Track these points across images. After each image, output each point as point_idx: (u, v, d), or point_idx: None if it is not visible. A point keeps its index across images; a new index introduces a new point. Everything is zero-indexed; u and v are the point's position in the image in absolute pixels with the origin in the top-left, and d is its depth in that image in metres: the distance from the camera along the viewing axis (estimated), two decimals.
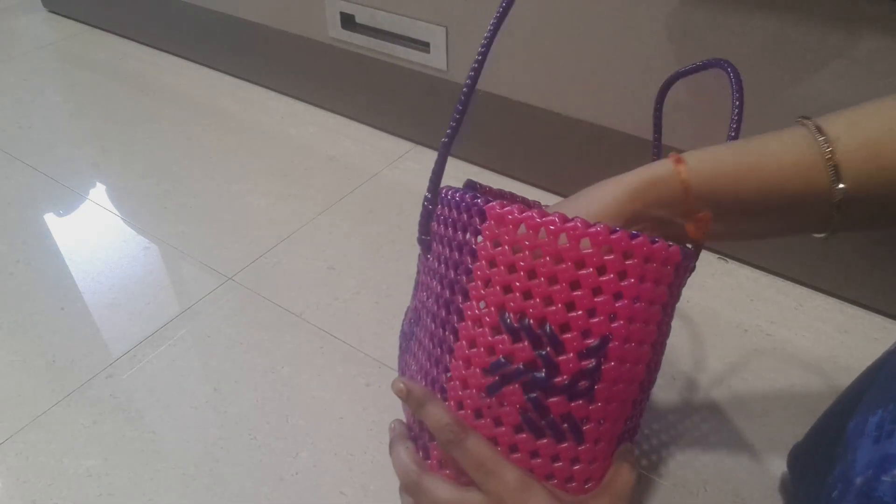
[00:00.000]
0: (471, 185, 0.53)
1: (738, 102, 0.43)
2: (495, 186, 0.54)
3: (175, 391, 0.68)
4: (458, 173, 0.96)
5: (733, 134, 0.43)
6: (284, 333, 0.74)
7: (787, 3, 0.63)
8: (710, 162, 0.36)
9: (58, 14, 1.52)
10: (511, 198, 0.55)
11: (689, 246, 0.40)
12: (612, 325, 0.35)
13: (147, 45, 1.38)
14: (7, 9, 1.56)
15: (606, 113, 0.82)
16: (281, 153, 1.05)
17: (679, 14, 0.70)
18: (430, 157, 1.07)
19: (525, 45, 0.83)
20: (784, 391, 0.67)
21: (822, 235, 0.37)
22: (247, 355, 0.72)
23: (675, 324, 0.74)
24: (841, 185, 0.33)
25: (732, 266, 0.82)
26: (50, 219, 0.93)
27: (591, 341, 0.35)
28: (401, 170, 1.00)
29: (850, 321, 0.75)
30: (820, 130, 0.34)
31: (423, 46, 0.93)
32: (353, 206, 0.93)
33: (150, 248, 0.87)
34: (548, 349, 0.35)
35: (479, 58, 0.39)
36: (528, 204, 0.55)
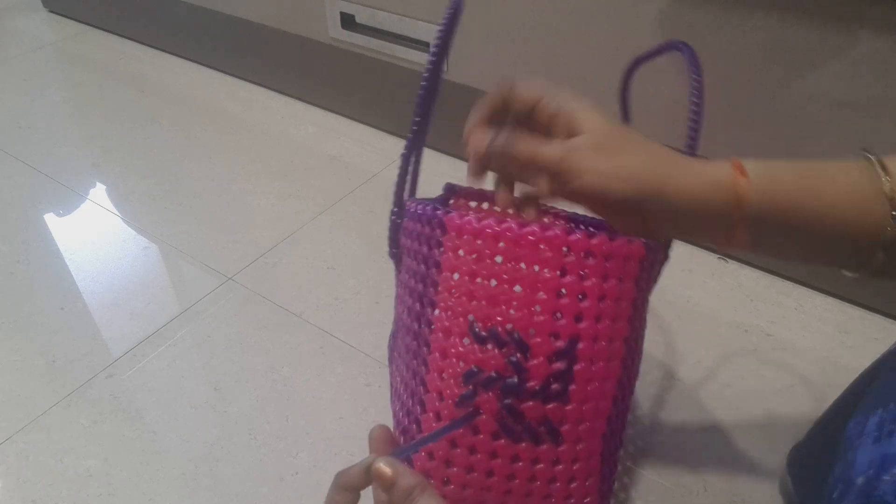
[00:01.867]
0: (450, 189, 0.53)
1: (696, 83, 0.43)
2: (490, 186, 0.54)
3: (175, 391, 0.68)
4: (457, 173, 0.96)
5: (693, 112, 0.43)
6: (284, 333, 0.74)
7: (787, 3, 0.63)
8: (769, 176, 0.34)
9: (58, 14, 1.52)
10: (493, 197, 0.55)
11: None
12: (579, 326, 0.35)
13: (147, 45, 1.38)
14: (7, 9, 1.56)
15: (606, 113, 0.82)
16: (281, 153, 1.05)
17: (679, 14, 0.70)
18: (430, 157, 1.07)
19: (525, 45, 0.83)
20: (784, 391, 0.67)
21: (853, 275, 0.36)
22: (247, 355, 0.72)
23: (676, 323, 0.74)
24: (890, 228, 0.32)
25: (732, 266, 0.82)
26: (50, 219, 0.93)
27: (560, 344, 0.35)
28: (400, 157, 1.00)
29: (850, 321, 0.74)
30: (883, 167, 0.33)
31: (423, 46, 0.93)
32: (353, 206, 0.93)
33: (150, 248, 0.87)
34: (517, 355, 0.36)
35: (431, 66, 0.39)
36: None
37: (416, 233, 0.40)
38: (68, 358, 0.72)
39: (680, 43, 0.45)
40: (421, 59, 0.94)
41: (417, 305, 0.39)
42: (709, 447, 0.62)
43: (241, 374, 0.70)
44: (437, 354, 0.38)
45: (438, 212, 0.37)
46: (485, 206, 0.55)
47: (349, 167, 1.01)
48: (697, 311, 0.76)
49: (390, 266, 0.84)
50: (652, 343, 0.72)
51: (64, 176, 1.01)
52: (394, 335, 0.48)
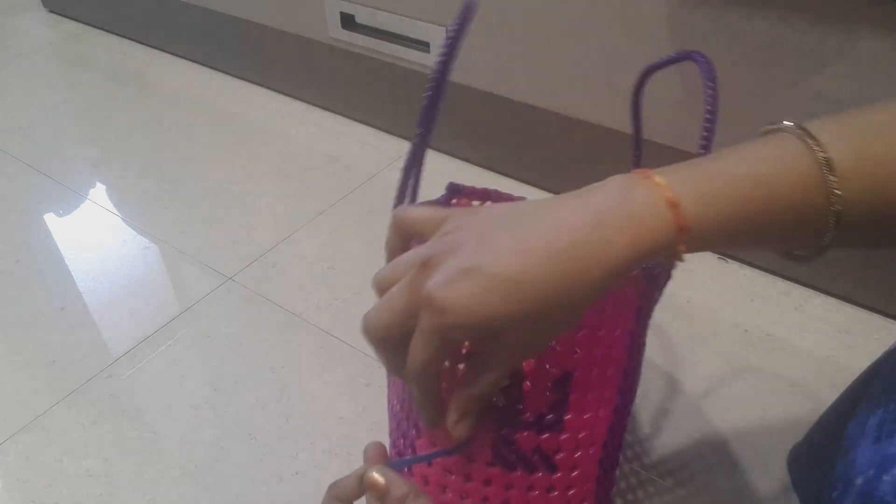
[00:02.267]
0: (453, 188, 0.53)
1: (710, 93, 0.42)
2: (491, 186, 0.54)
3: (175, 391, 0.68)
4: (458, 173, 0.96)
5: (707, 123, 0.43)
6: (284, 333, 0.74)
7: (788, 3, 0.63)
8: (713, 228, 0.30)
9: (58, 14, 1.52)
10: (496, 196, 0.55)
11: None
12: (575, 356, 0.35)
13: (147, 45, 1.38)
14: (7, 9, 1.56)
15: (606, 113, 0.82)
16: (281, 153, 1.05)
17: (679, 15, 0.70)
18: (430, 157, 1.06)
19: (525, 45, 0.83)
20: (784, 391, 0.67)
21: (805, 253, 0.34)
22: (247, 355, 0.72)
23: (675, 324, 0.74)
24: (835, 233, 0.31)
25: (732, 266, 0.82)
26: (50, 219, 0.93)
27: (555, 373, 0.35)
28: (400, 170, 1.00)
29: (850, 321, 0.74)
30: (830, 166, 0.30)
31: (423, 46, 0.93)
32: (353, 206, 0.93)
33: (150, 248, 0.87)
34: (512, 386, 0.36)
35: (437, 74, 0.38)
36: (513, 201, 0.55)
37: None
38: (68, 358, 0.72)
39: (695, 52, 0.44)
40: (421, 58, 0.94)
41: None
42: (709, 447, 0.62)
43: (241, 374, 0.70)
44: None
45: None
46: (487, 205, 0.55)
47: (349, 167, 1.01)
48: (697, 311, 0.76)
49: None
50: (651, 343, 0.72)
51: (64, 176, 1.01)
52: None
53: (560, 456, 0.37)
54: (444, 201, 0.54)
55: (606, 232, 0.29)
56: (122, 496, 0.59)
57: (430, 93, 0.38)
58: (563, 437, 0.37)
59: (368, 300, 0.79)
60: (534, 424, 0.36)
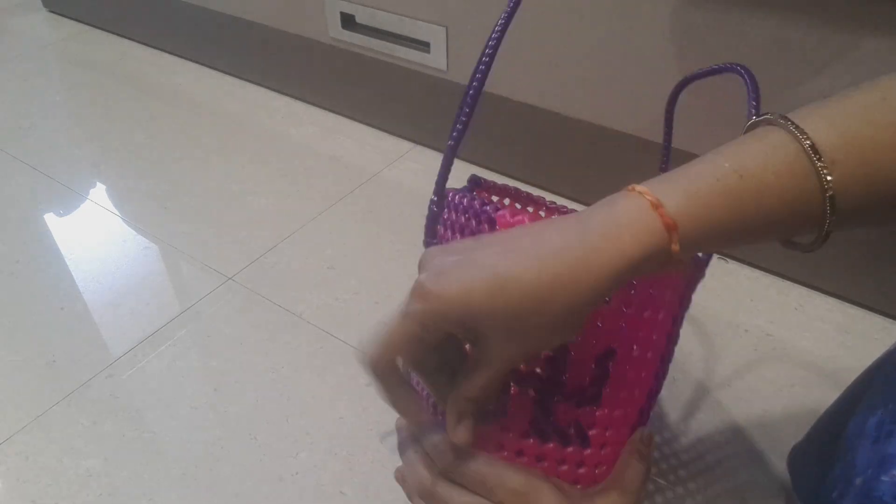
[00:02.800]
0: (474, 181, 0.53)
1: (754, 106, 0.42)
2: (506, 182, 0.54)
3: (175, 391, 0.68)
4: (457, 172, 0.96)
5: None
6: (284, 333, 0.74)
7: (788, 3, 0.63)
8: (703, 219, 0.30)
9: (58, 14, 1.52)
10: (516, 194, 0.55)
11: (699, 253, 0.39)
12: (620, 334, 0.35)
13: (147, 45, 1.38)
14: (7, 9, 1.56)
15: (607, 113, 0.82)
16: (281, 153, 1.05)
17: (680, 15, 0.70)
18: (430, 156, 1.07)
19: (526, 45, 0.83)
20: (784, 391, 0.67)
21: (806, 241, 0.34)
22: (247, 355, 0.72)
23: None
24: (832, 218, 0.30)
25: (732, 266, 0.82)
26: (50, 219, 0.93)
27: (599, 349, 0.35)
28: (401, 170, 1.00)
29: (850, 321, 0.74)
30: (815, 151, 0.30)
31: (424, 46, 0.93)
32: (353, 206, 0.93)
33: (151, 248, 0.87)
34: (557, 356, 0.35)
35: (486, 59, 0.38)
36: (532, 200, 0.55)
37: (460, 225, 0.39)
38: (68, 358, 0.72)
39: (738, 65, 0.44)
40: (421, 59, 0.94)
41: None
42: (709, 447, 0.62)
43: (241, 374, 0.70)
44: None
45: (487, 207, 0.37)
46: (506, 200, 0.55)
47: (349, 167, 1.01)
48: (697, 311, 0.76)
49: (390, 266, 0.83)
50: None
51: (64, 176, 1.01)
52: None
53: (594, 432, 0.37)
54: (467, 192, 0.53)
55: (593, 238, 0.29)
56: (122, 496, 0.59)
57: (480, 73, 0.38)
58: (600, 412, 0.37)
59: (368, 300, 0.79)
60: (573, 396, 0.36)
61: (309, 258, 0.85)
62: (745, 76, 0.43)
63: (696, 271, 0.37)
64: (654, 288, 0.35)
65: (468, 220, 0.38)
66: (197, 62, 1.31)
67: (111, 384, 0.69)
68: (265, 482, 0.60)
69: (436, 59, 0.93)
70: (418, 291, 0.30)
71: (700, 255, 0.39)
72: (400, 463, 0.41)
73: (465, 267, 0.29)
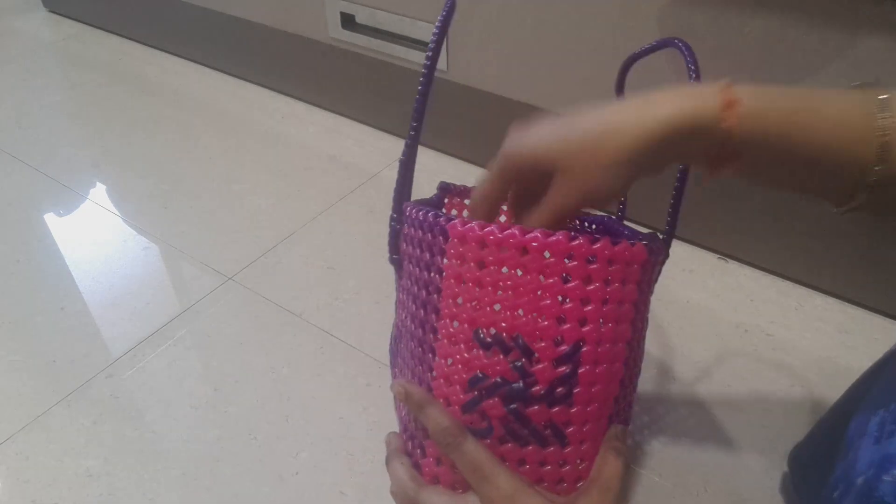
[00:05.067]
0: (444, 188, 0.54)
1: (693, 78, 0.43)
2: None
3: (175, 391, 0.68)
4: (457, 172, 0.96)
5: None
6: (284, 333, 0.74)
7: (787, 3, 0.63)
8: (762, 110, 0.32)
9: (58, 14, 1.52)
10: None
11: (659, 235, 0.40)
12: (583, 330, 0.36)
13: (147, 45, 1.38)
14: (7, 9, 1.56)
15: None
16: (281, 153, 1.05)
17: (679, 15, 0.70)
18: (430, 156, 1.07)
19: (526, 45, 0.83)
20: (785, 391, 0.67)
21: (840, 210, 0.35)
22: (247, 355, 0.72)
23: (677, 323, 0.74)
24: (878, 168, 0.31)
25: (732, 266, 0.82)
26: (50, 219, 0.93)
27: (564, 348, 0.36)
28: (399, 163, 1.00)
29: (850, 321, 0.75)
30: (885, 105, 0.31)
31: (423, 46, 0.93)
32: (353, 206, 0.93)
33: (151, 248, 0.87)
34: (522, 360, 0.36)
35: (426, 70, 0.39)
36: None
37: (418, 239, 0.40)
38: (68, 358, 0.72)
39: (676, 39, 0.45)
40: (421, 59, 0.94)
41: (421, 312, 0.39)
42: (709, 447, 0.62)
43: (241, 374, 0.70)
44: (442, 360, 0.38)
45: (440, 219, 0.37)
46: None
47: (349, 167, 1.01)
48: (697, 311, 0.76)
49: (390, 266, 0.84)
50: (652, 343, 0.72)
51: (64, 176, 1.01)
52: (396, 339, 0.48)
53: (571, 430, 0.37)
54: (437, 200, 0.54)
55: (654, 97, 0.33)
56: (123, 496, 0.59)
57: (422, 86, 0.39)
58: (574, 410, 0.37)
59: (368, 300, 0.79)
60: (545, 398, 0.36)
61: (309, 258, 0.85)
62: (682, 48, 0.44)
63: (653, 256, 0.38)
64: (612, 281, 0.36)
65: (424, 233, 0.39)
66: (197, 62, 1.31)
67: (111, 384, 0.69)
68: (265, 482, 0.60)
69: None
70: (506, 145, 0.37)
71: (659, 235, 0.39)
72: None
73: (542, 125, 0.36)
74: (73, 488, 0.60)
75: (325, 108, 1.15)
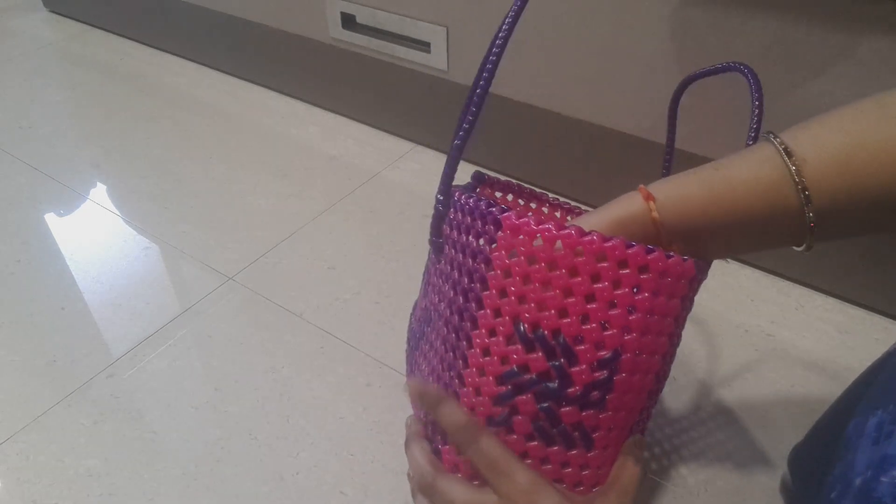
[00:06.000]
0: (478, 178, 0.53)
1: (757, 105, 0.42)
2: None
3: (176, 391, 0.68)
4: (457, 172, 0.96)
5: (752, 137, 0.43)
6: (285, 333, 0.74)
7: (788, 3, 0.63)
8: (678, 196, 0.36)
9: (58, 14, 1.53)
10: (519, 190, 0.56)
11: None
12: (625, 338, 0.35)
13: (147, 45, 1.38)
14: (7, 9, 1.56)
15: (607, 113, 0.82)
16: (281, 153, 1.05)
17: (680, 15, 0.70)
18: (431, 157, 1.07)
19: (525, 45, 0.83)
20: (785, 391, 0.67)
21: (800, 249, 0.37)
22: (247, 355, 0.72)
23: None
24: (811, 207, 0.33)
25: (733, 266, 0.82)
26: (50, 219, 0.93)
27: (604, 353, 0.35)
28: (401, 170, 1.00)
29: (850, 321, 0.74)
30: (788, 152, 0.34)
31: (424, 46, 0.93)
32: (353, 206, 0.94)
33: (151, 248, 0.87)
34: (561, 360, 0.35)
35: (493, 58, 0.38)
36: (535, 196, 0.55)
37: (466, 226, 0.39)
38: (69, 358, 0.72)
39: (741, 65, 0.44)
40: (421, 59, 0.94)
41: (460, 299, 0.39)
42: (709, 447, 0.62)
43: (241, 374, 0.70)
44: (478, 351, 0.37)
45: (493, 209, 0.37)
46: (509, 197, 0.55)
47: (350, 167, 1.01)
48: (697, 311, 0.76)
49: (391, 266, 0.83)
50: None
51: (64, 176, 1.01)
52: (420, 321, 0.47)
53: (598, 434, 0.37)
54: (470, 189, 0.54)
55: (607, 206, 0.38)
56: (123, 496, 0.59)
57: (480, 91, 0.39)
58: (604, 415, 0.37)
59: (369, 300, 0.79)
60: (578, 400, 0.36)
61: (309, 258, 0.85)
62: (749, 75, 0.44)
63: (697, 273, 0.38)
64: (659, 293, 0.36)
65: (474, 220, 0.38)
66: (197, 62, 1.31)
67: (112, 384, 0.69)
68: (265, 482, 0.60)
69: (436, 60, 0.93)
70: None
71: (702, 262, 0.39)
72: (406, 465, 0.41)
73: None
74: (73, 488, 0.60)
75: (326, 108, 1.15)
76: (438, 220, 0.42)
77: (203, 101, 1.19)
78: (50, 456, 0.62)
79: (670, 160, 0.55)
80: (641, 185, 0.36)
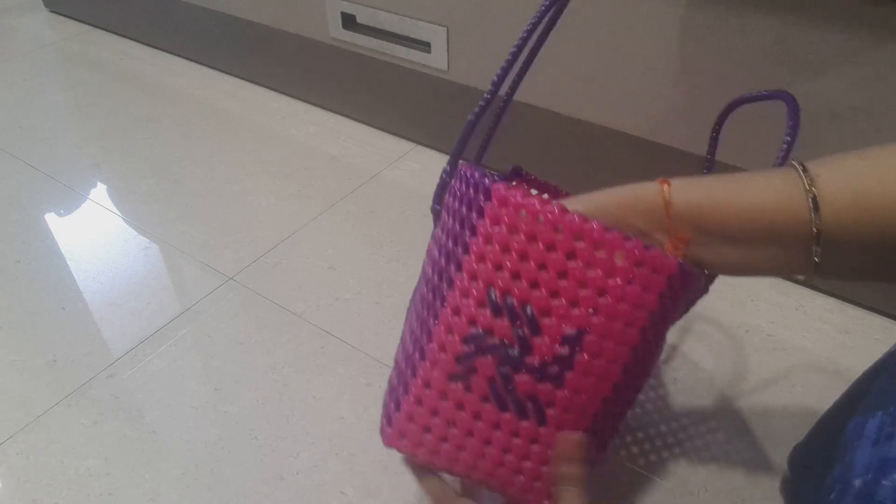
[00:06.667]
0: (516, 171, 0.54)
1: (790, 133, 0.43)
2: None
3: (176, 391, 0.68)
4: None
5: (780, 161, 0.43)
6: (285, 333, 0.74)
7: (789, 4, 0.63)
8: (693, 185, 0.37)
9: (59, 14, 1.53)
10: (555, 191, 0.58)
11: (706, 272, 0.40)
12: (592, 320, 0.36)
13: (147, 45, 1.38)
14: (8, 9, 1.56)
15: (608, 114, 0.82)
16: (281, 153, 1.05)
17: (681, 14, 0.70)
18: (431, 156, 1.07)
19: (525, 45, 0.83)
20: (785, 391, 0.67)
21: (803, 277, 0.37)
22: (247, 355, 0.72)
23: (677, 324, 0.74)
24: (817, 220, 0.33)
25: None
26: (51, 218, 0.93)
27: (569, 330, 0.36)
28: (401, 170, 1.00)
29: (850, 322, 0.74)
30: (804, 167, 0.34)
31: (424, 46, 0.93)
32: (353, 207, 0.94)
33: (151, 247, 0.87)
34: (525, 329, 0.37)
35: (510, 57, 0.40)
36: (559, 195, 0.56)
37: (461, 194, 0.41)
38: (69, 358, 0.72)
39: (785, 93, 0.45)
40: (422, 59, 0.94)
41: (443, 261, 0.40)
42: (709, 447, 0.62)
43: (241, 373, 0.70)
44: (449, 310, 0.39)
45: (486, 179, 0.38)
46: (545, 196, 0.56)
47: (350, 167, 1.01)
48: (697, 311, 0.76)
49: (391, 266, 0.84)
50: None
51: (64, 175, 1.01)
52: (415, 289, 0.49)
53: (552, 411, 0.38)
54: (507, 179, 0.55)
55: (616, 188, 0.39)
56: (123, 496, 0.59)
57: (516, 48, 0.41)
58: (560, 392, 0.38)
59: (369, 300, 0.79)
60: (536, 370, 0.37)
61: (309, 258, 0.85)
62: (789, 103, 0.45)
63: (686, 276, 0.37)
64: (633, 282, 0.36)
65: (467, 190, 0.40)
66: (197, 62, 1.31)
67: (112, 384, 0.69)
68: (266, 482, 0.60)
69: (437, 60, 0.93)
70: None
71: (691, 267, 0.39)
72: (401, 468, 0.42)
73: None
74: (73, 488, 0.60)
75: (326, 108, 1.15)
76: (442, 188, 0.45)
77: (203, 101, 1.19)
78: (50, 456, 0.62)
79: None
80: (664, 179, 0.37)
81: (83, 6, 1.46)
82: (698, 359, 0.71)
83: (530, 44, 0.44)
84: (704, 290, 0.47)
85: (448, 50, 0.91)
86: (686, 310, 0.49)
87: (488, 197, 0.37)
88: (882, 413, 0.33)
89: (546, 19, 0.44)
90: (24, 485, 0.60)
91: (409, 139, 1.07)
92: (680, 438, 0.63)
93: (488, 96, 0.43)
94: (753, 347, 0.72)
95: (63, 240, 0.89)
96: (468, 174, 0.40)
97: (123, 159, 1.04)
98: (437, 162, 0.99)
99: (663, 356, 0.71)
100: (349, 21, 0.99)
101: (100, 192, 0.98)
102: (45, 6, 1.54)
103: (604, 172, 0.86)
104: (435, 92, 0.97)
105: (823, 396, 0.66)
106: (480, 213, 0.38)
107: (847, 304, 0.77)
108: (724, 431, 0.63)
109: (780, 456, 0.60)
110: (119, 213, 0.93)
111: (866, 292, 0.75)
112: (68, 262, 0.85)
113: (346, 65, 1.05)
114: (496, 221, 0.37)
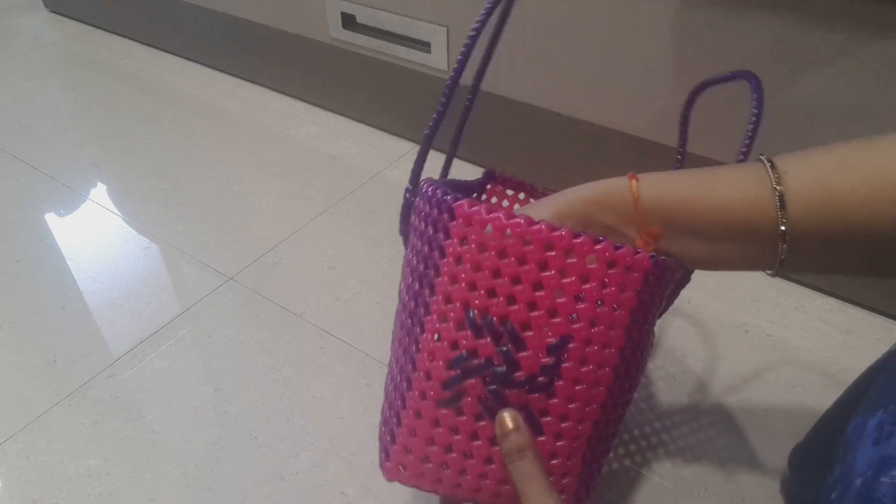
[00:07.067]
0: (489, 174, 0.54)
1: (755, 112, 0.43)
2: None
3: (176, 391, 0.68)
4: (456, 171, 0.96)
5: (746, 144, 0.43)
6: (285, 333, 0.74)
7: (788, 4, 0.63)
8: (662, 181, 0.37)
9: (59, 14, 1.53)
10: (531, 189, 0.57)
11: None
12: (573, 327, 0.36)
13: (147, 45, 1.38)
14: (8, 9, 1.56)
15: (607, 113, 0.82)
16: (281, 153, 1.05)
17: (680, 15, 0.70)
18: (431, 156, 1.07)
19: (525, 45, 0.83)
20: (785, 391, 0.67)
21: (770, 272, 0.37)
22: (247, 355, 0.72)
23: (676, 323, 0.74)
24: (784, 217, 0.34)
25: None
26: (51, 218, 0.93)
27: (551, 340, 0.36)
28: (401, 170, 1.00)
29: (850, 322, 0.74)
30: (772, 164, 0.35)
31: (424, 46, 0.93)
32: (353, 206, 0.94)
33: (151, 247, 0.87)
34: (509, 346, 0.36)
35: (464, 49, 0.39)
36: (544, 195, 0.56)
37: (425, 214, 0.40)
38: (69, 358, 0.72)
39: (749, 73, 0.45)
40: (422, 59, 0.94)
41: (416, 285, 0.40)
42: (709, 447, 0.62)
43: (241, 373, 0.70)
44: (429, 336, 0.38)
45: (448, 197, 0.38)
46: (521, 195, 0.56)
47: (350, 167, 1.01)
48: (697, 311, 0.76)
49: (391, 266, 0.84)
50: None
51: (64, 175, 1.01)
52: (396, 314, 0.48)
53: (547, 419, 0.38)
54: (479, 185, 0.54)
55: (586, 184, 0.39)
56: (123, 496, 0.59)
57: (450, 82, 0.40)
58: (552, 401, 0.37)
59: (369, 300, 0.79)
60: (524, 384, 0.37)
61: (309, 258, 0.85)
62: (753, 84, 0.45)
63: (659, 269, 0.37)
64: (609, 284, 0.36)
65: (432, 209, 0.39)
66: (197, 62, 1.31)
67: (112, 384, 0.69)
68: (266, 482, 0.60)
69: (436, 60, 0.93)
70: None
71: (666, 258, 0.39)
72: None
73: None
74: (73, 488, 0.60)
75: (326, 108, 1.15)
76: (407, 209, 0.44)
77: (203, 101, 1.19)
78: (50, 456, 0.62)
79: (682, 163, 0.55)
80: (633, 175, 0.38)
81: (83, 6, 1.46)
82: (698, 359, 0.71)
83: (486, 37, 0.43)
84: (686, 280, 0.47)
85: (448, 50, 0.91)
86: (671, 301, 0.49)
87: (452, 216, 0.37)
88: (882, 412, 0.33)
89: (498, 9, 0.43)
90: (24, 485, 0.60)
91: (408, 139, 1.07)
92: (679, 438, 0.63)
93: (444, 100, 0.43)
94: (753, 347, 0.72)
95: (63, 240, 0.89)
96: (430, 192, 0.40)
97: (123, 159, 1.04)
98: (436, 162, 0.99)
99: (664, 356, 0.71)
100: (349, 21, 0.99)
101: (100, 192, 0.98)
102: (45, 6, 1.54)
103: (604, 173, 0.86)
104: (435, 92, 0.97)
105: (823, 396, 0.66)
106: (447, 233, 0.37)
107: (847, 304, 0.77)
108: (725, 431, 0.63)
109: (780, 456, 0.60)
110: (119, 213, 0.93)
111: (866, 292, 0.75)
112: (68, 262, 0.85)
113: (346, 65, 1.05)
114: (464, 241, 0.37)
